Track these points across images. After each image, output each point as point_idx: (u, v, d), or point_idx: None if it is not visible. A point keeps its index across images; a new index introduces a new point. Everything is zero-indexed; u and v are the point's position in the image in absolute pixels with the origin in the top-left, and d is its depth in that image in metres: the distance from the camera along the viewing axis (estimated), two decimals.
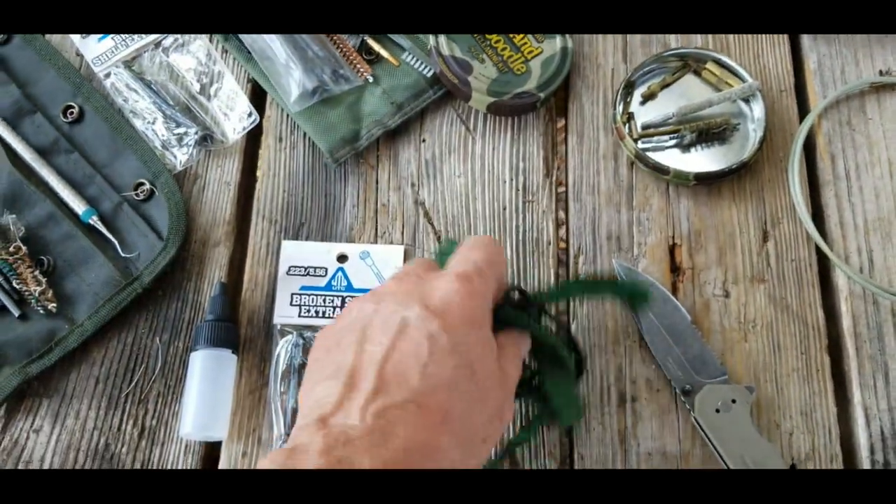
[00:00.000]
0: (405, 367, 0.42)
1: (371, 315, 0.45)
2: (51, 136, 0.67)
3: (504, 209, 0.66)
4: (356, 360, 0.43)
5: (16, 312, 0.60)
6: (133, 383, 0.60)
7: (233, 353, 0.59)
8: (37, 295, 0.60)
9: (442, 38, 0.69)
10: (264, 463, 0.39)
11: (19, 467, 0.57)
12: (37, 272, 0.61)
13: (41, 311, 0.61)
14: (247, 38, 0.70)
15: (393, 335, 0.43)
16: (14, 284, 0.61)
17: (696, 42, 0.72)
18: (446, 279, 0.46)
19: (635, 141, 0.67)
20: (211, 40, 0.72)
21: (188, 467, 0.58)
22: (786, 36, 0.73)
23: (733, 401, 0.57)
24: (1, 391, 0.58)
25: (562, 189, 0.67)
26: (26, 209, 0.64)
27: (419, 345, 0.43)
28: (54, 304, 0.60)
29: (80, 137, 0.67)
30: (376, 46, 0.71)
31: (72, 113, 0.68)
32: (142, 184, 0.65)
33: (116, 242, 0.63)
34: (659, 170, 0.65)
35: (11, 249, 0.61)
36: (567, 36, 0.70)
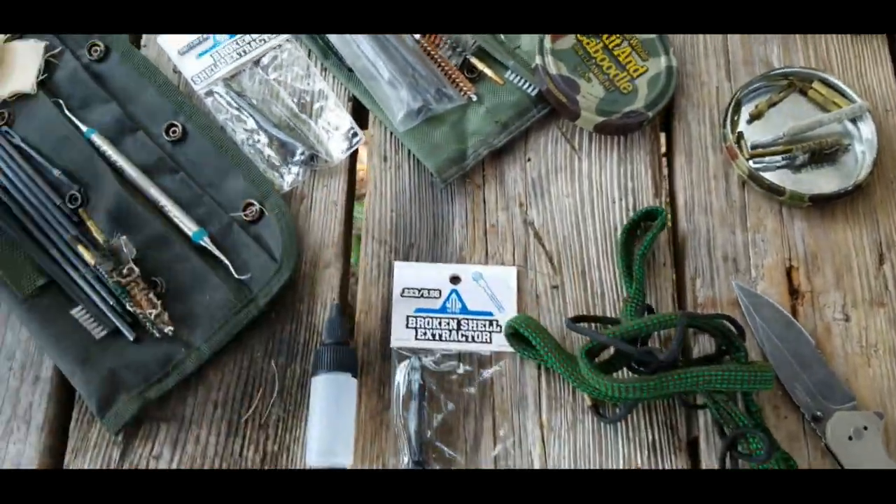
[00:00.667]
0: None
1: None
2: (154, 154, 0.66)
3: (615, 229, 0.65)
4: None
5: (130, 336, 0.59)
6: (252, 408, 0.59)
7: (353, 376, 0.58)
8: (153, 318, 0.59)
9: (549, 58, 0.68)
10: None
11: None
12: (151, 294, 0.60)
13: (156, 335, 0.60)
14: (348, 57, 0.69)
15: None
16: (128, 307, 0.60)
17: (799, 61, 0.71)
18: None
19: (747, 160, 0.66)
20: (310, 56, 0.71)
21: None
22: (888, 55, 0.72)
23: (865, 427, 0.57)
24: (120, 417, 0.57)
25: (671, 209, 0.66)
26: (135, 230, 0.62)
27: None
28: (171, 328, 0.59)
29: (184, 157, 0.66)
30: (479, 65, 0.70)
31: (174, 131, 0.67)
32: (251, 204, 0.64)
33: (229, 264, 0.62)
34: (774, 190, 0.64)
35: (125, 272, 0.60)
36: (671, 54, 0.69)
